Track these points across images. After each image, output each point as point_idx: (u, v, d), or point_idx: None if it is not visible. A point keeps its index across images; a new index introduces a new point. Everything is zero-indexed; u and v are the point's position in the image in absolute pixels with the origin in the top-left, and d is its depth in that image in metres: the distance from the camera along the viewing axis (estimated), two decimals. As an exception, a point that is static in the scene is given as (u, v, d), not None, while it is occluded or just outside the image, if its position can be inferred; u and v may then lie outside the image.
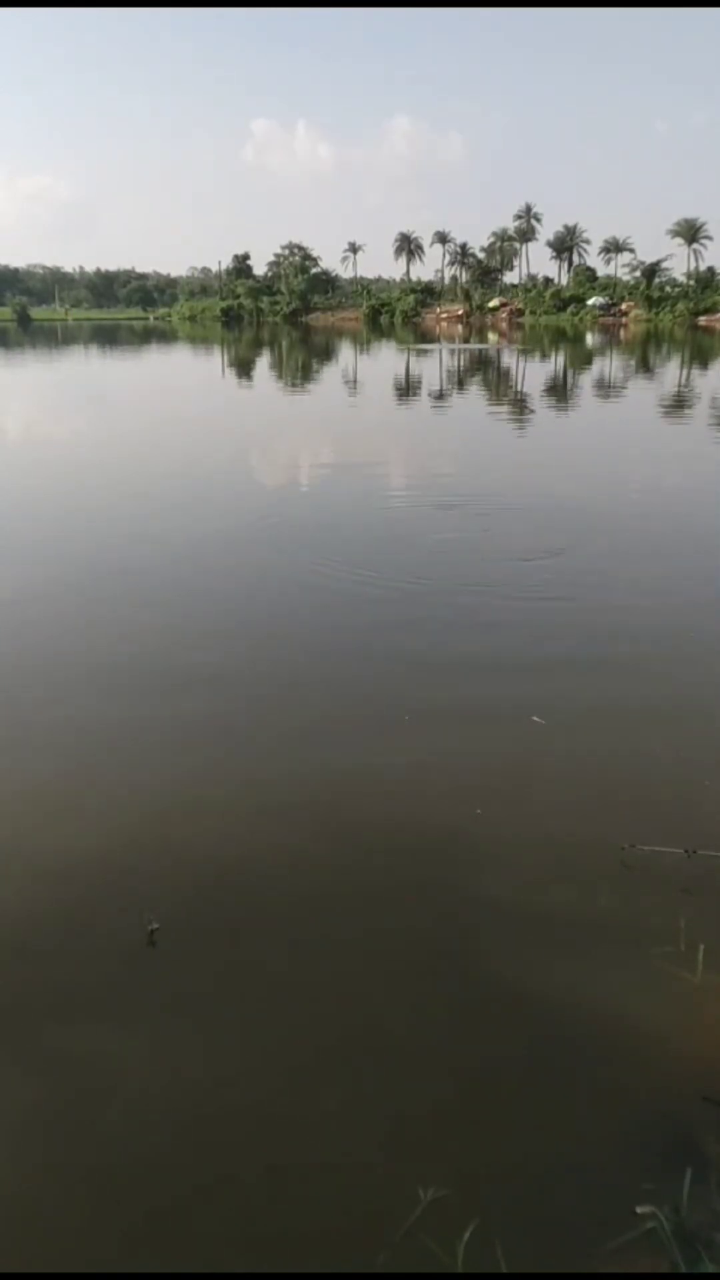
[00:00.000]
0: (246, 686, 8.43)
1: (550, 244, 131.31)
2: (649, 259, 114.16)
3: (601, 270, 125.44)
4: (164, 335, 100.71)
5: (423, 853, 5.93)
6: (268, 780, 6.78)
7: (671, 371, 48.78)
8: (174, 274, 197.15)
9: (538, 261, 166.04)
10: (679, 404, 31.81)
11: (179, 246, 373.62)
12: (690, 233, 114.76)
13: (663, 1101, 4.09)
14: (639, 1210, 3.40)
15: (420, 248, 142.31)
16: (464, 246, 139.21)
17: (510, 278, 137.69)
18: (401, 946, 5.11)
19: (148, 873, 5.73)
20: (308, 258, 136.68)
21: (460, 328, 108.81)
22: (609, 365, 53.81)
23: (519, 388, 40.76)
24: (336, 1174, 3.77)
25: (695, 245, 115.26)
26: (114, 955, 5.01)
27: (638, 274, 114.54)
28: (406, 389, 40.05)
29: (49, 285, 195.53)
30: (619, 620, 9.99)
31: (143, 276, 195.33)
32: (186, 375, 52.62)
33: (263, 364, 59.40)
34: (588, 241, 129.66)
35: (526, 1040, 4.46)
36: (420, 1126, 4.00)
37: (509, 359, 58.60)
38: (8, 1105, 4.14)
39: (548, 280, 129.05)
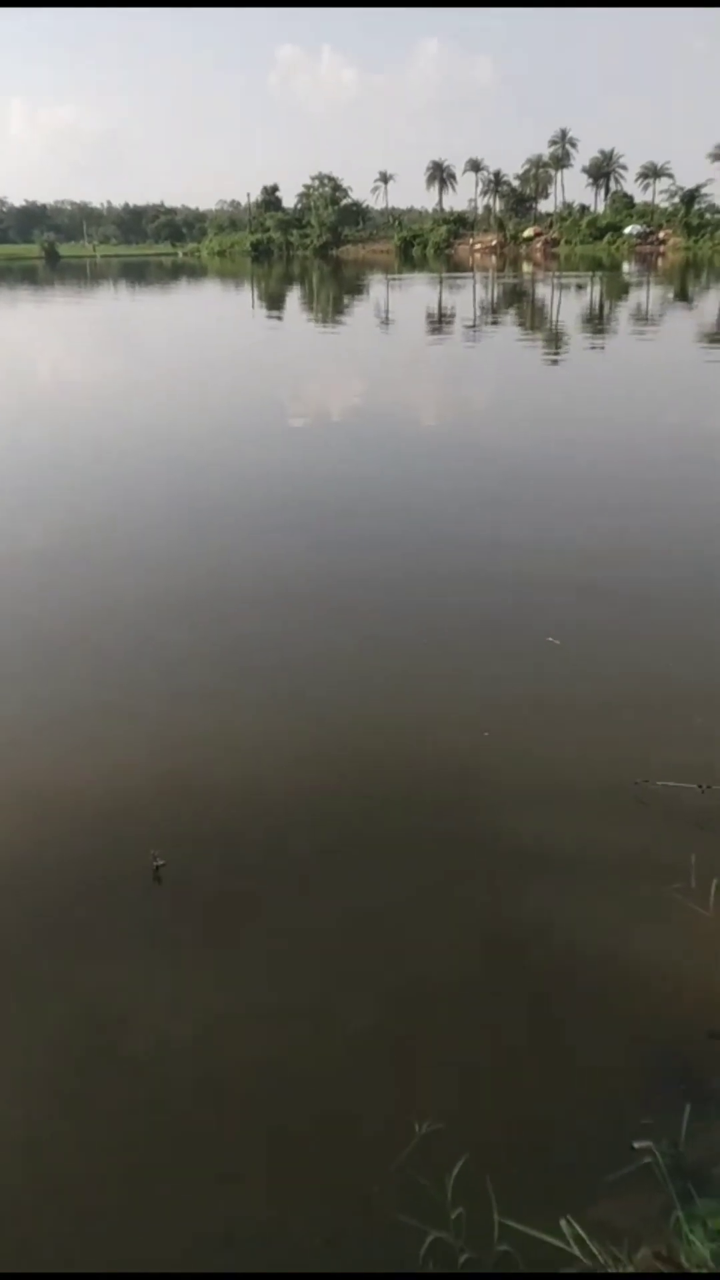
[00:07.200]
0: (252, 622, 8.36)
1: (586, 170, 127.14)
2: (688, 184, 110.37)
3: (639, 197, 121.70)
4: (193, 271, 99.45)
5: (436, 783, 5.88)
6: (275, 711, 6.74)
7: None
8: (202, 208, 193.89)
9: (573, 189, 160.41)
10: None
11: (207, 180, 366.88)
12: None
13: (669, 1037, 4.04)
14: (636, 1145, 3.36)
15: (453, 176, 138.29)
16: (498, 174, 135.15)
17: (545, 206, 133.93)
18: (411, 881, 5.07)
19: (155, 807, 5.72)
20: (338, 189, 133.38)
21: (494, 258, 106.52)
22: (647, 298, 52.50)
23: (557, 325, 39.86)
24: (336, 1108, 3.77)
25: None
26: (119, 891, 5.01)
27: (676, 200, 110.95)
28: (439, 323, 39.35)
29: (77, 221, 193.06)
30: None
31: (171, 211, 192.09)
32: (217, 313, 51.97)
33: (293, 300, 58.51)
34: (624, 167, 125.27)
35: (535, 975, 4.43)
36: (423, 1060, 3.98)
37: (546, 290, 57.34)
38: (15, 1037, 4.16)
39: (584, 208, 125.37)
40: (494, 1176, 3.22)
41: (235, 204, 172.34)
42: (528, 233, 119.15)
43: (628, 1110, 3.62)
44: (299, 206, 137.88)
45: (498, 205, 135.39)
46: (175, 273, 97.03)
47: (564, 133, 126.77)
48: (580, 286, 59.90)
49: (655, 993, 4.28)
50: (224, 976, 4.47)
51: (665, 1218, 3.04)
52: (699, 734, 6.21)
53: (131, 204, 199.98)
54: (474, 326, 36.47)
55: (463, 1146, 3.34)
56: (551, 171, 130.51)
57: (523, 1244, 3.00)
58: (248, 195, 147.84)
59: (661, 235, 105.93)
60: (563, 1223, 2.99)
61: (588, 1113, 3.69)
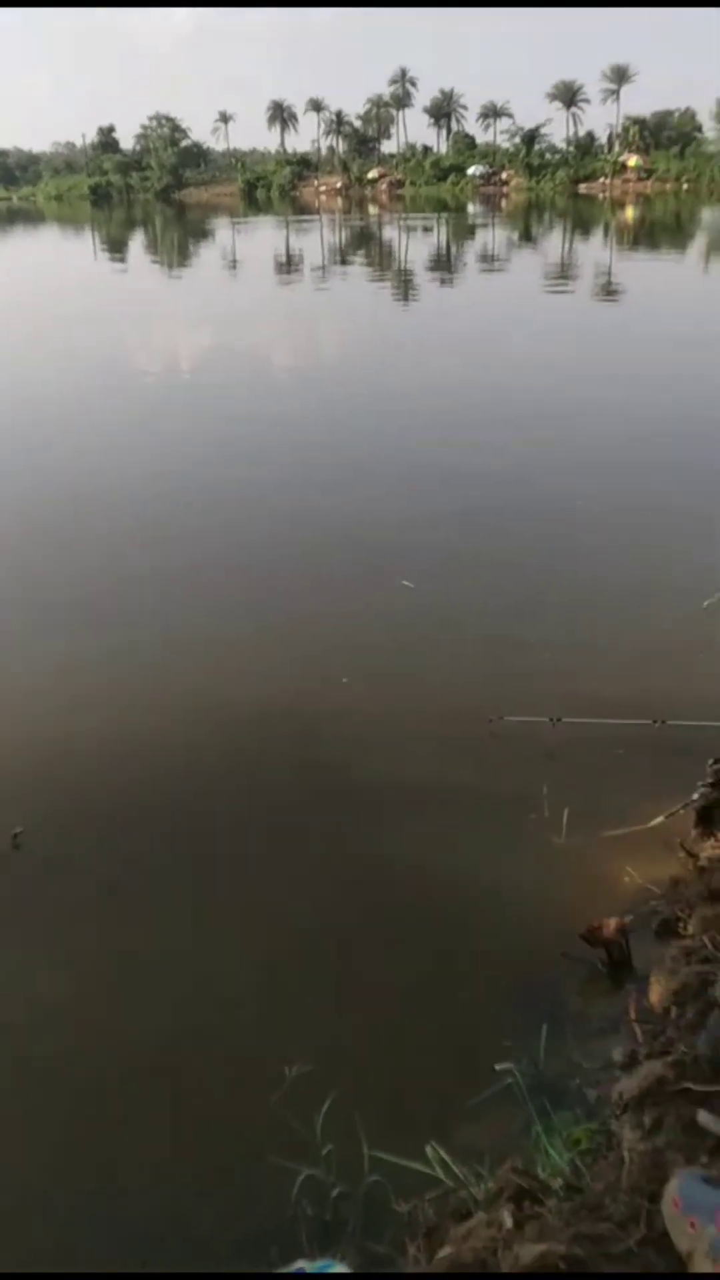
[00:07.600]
0: (112, 576, 8.22)
1: (427, 110, 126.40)
2: (528, 125, 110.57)
3: (480, 138, 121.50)
4: (29, 216, 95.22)
5: (294, 727, 5.93)
6: (130, 668, 6.67)
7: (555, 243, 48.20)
8: (36, 150, 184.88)
9: (415, 130, 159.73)
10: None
11: (38, 119, 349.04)
12: (568, 96, 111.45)
13: (525, 961, 4.18)
14: (498, 1068, 3.48)
15: (294, 116, 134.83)
16: (339, 114, 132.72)
17: (388, 147, 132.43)
18: (272, 824, 5.14)
19: (11, 772, 5.60)
20: (177, 129, 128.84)
21: (340, 201, 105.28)
22: (493, 239, 52.83)
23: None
24: (205, 1060, 3.81)
25: (574, 109, 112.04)
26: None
27: (517, 140, 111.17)
28: (289, 267, 38.86)
29: None
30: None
31: (2, 153, 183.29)
32: (57, 259, 50.08)
33: (137, 246, 56.78)
34: (464, 107, 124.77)
35: (394, 909, 4.54)
36: (287, 1002, 4.04)
37: (393, 233, 57.12)
38: None
39: (426, 149, 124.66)
40: (362, 1112, 3.29)
41: (71, 145, 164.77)
42: (372, 174, 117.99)
43: (489, 1035, 3.74)
44: (138, 148, 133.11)
45: (341, 146, 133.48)
46: (10, 218, 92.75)
47: (404, 71, 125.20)
48: (427, 228, 59.89)
49: (512, 919, 4.42)
50: (84, 930, 4.44)
51: (526, 1134, 3.16)
52: (548, 668, 6.41)
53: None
54: (323, 269, 36.14)
55: (331, 1085, 3.40)
56: (393, 111, 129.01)
57: (391, 1173, 3.09)
58: (83, 136, 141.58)
59: (504, 176, 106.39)
60: (427, 1148, 3.09)
61: (451, 1040, 3.82)
